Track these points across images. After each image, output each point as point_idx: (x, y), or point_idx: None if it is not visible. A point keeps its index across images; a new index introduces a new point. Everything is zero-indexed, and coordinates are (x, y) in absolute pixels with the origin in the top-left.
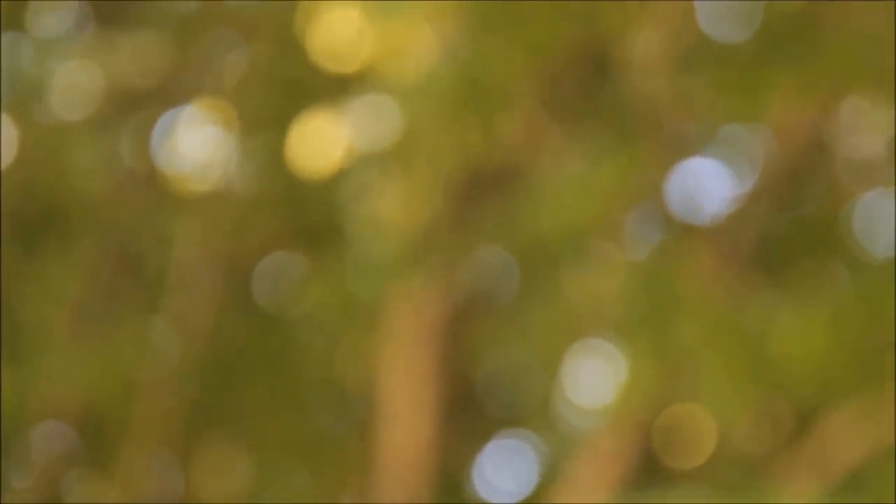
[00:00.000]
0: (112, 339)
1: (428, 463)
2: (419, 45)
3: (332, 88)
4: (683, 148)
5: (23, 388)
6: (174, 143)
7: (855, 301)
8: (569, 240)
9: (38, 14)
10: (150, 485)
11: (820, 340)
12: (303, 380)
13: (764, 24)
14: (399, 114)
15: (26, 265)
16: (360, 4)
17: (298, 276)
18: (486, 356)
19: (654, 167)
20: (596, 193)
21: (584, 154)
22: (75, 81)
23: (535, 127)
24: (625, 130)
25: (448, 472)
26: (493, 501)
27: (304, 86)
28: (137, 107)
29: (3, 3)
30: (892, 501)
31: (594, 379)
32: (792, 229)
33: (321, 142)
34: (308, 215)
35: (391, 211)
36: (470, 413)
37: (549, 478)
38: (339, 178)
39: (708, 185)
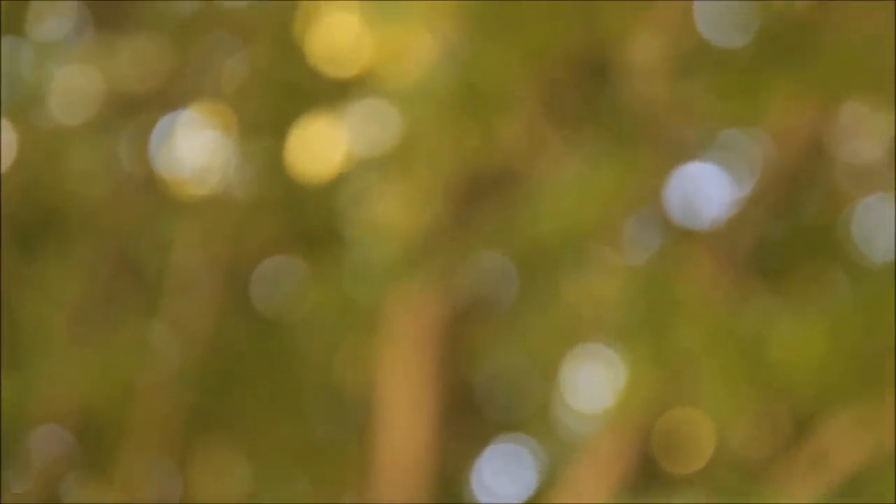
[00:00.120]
0: (111, 342)
1: (427, 467)
2: (418, 50)
3: (331, 92)
4: (682, 152)
5: (22, 391)
6: (173, 147)
7: (853, 306)
8: (568, 244)
9: (37, 18)
10: (149, 489)
11: (818, 345)
12: (302, 384)
13: (763, 28)
14: (398, 118)
15: (25, 268)
16: (359, 8)
17: (297, 280)
18: (485, 360)
19: (653, 172)
20: (595, 198)
21: (583, 158)
22: (74, 85)
23: (534, 131)
24: (624, 135)
25: (447, 477)
26: None
27: (303, 90)
28: (136, 111)
29: (2, 6)
30: None
31: (593, 383)
32: (790, 234)
33: (320, 146)
34: (307, 219)
35: (390, 215)
36: (469, 417)
37: (548, 482)
38: (338, 183)
39: (707, 189)
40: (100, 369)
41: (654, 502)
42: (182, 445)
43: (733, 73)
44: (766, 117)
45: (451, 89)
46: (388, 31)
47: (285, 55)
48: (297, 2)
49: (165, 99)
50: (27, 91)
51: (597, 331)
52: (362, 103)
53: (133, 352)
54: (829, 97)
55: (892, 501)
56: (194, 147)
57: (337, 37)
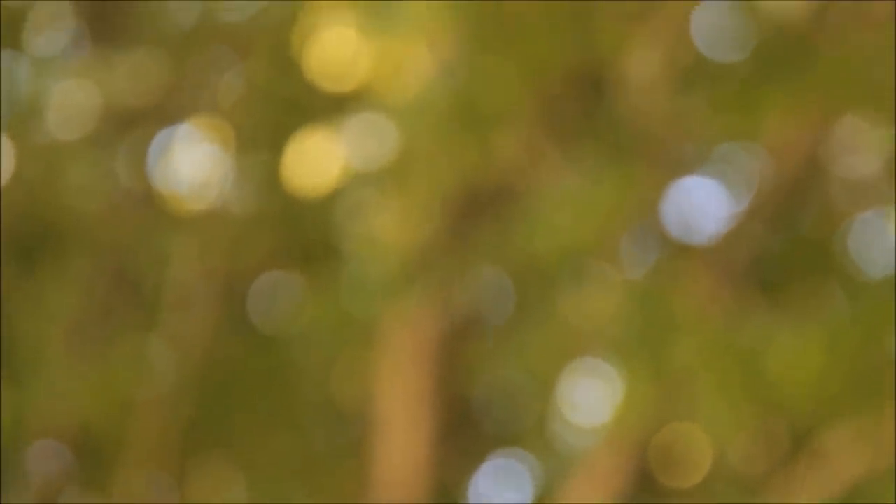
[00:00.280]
0: (108, 357)
1: (424, 482)
2: (416, 64)
3: (328, 107)
4: (680, 167)
5: (20, 406)
6: (170, 162)
7: (851, 320)
8: (565, 259)
9: (34, 33)
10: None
11: (816, 360)
12: (299, 398)
13: (760, 43)
14: (395, 133)
15: (23, 283)
16: (356, 23)
17: (295, 295)
18: (483, 375)
19: (650, 186)
20: (592, 213)
21: (581, 173)
22: (72, 100)
23: (531, 146)
24: (621, 150)
25: (444, 491)
26: None
27: (300, 104)
28: (134, 125)
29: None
30: None
31: (590, 398)
32: (788, 248)
33: (317, 160)
34: (304, 234)
35: (387, 230)
36: (466, 432)
37: (546, 497)
38: (335, 197)
39: (704, 204)
40: (97, 384)
41: None
42: (180, 460)
43: (731, 88)
44: (764, 132)
45: (449, 104)
46: (386, 45)
47: (283, 70)
48: (294, 16)
49: (163, 113)
50: (25, 106)
51: (594, 345)
52: (360, 118)
53: (130, 366)
54: (826, 112)
55: None
56: (192, 162)
57: (334, 51)
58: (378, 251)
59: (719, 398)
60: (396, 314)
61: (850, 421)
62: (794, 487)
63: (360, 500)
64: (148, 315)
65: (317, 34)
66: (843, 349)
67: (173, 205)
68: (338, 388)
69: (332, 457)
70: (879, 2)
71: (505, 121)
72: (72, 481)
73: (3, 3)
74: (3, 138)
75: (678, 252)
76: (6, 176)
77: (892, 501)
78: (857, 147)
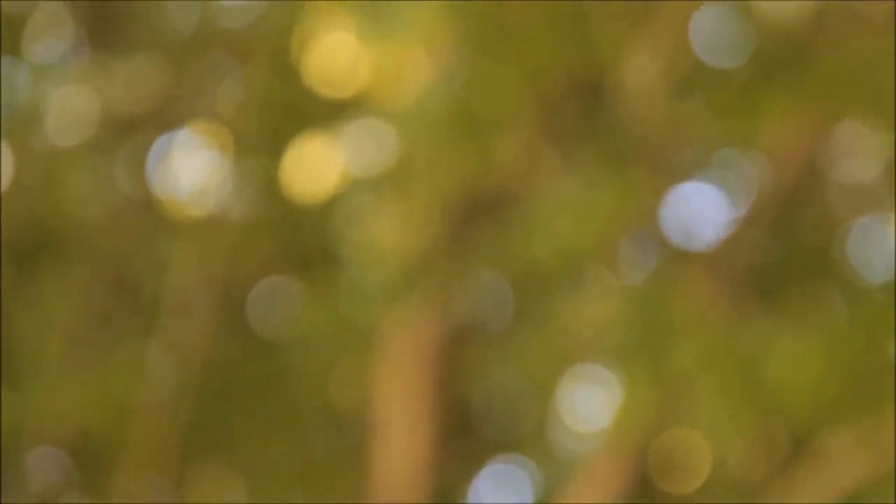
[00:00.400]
0: (107, 363)
1: (424, 487)
2: (415, 70)
3: (327, 113)
4: (679, 173)
5: (19, 412)
6: (170, 168)
7: (850, 325)
8: (564, 264)
9: (33, 39)
10: None
11: (815, 365)
12: (298, 404)
13: (758, 48)
14: (394, 138)
15: (22, 289)
16: (355, 29)
17: (294, 301)
18: (482, 380)
19: (649, 192)
20: (591, 218)
21: (580, 179)
22: (71, 106)
23: (530, 151)
24: (620, 155)
25: (444, 496)
26: None
27: (299, 110)
28: (133, 131)
29: None
30: None
31: (589, 403)
32: (787, 254)
33: (316, 166)
34: (303, 240)
35: (386, 235)
36: (465, 437)
37: (545, 502)
38: (334, 203)
39: (703, 209)
40: (97, 389)
41: None
42: (179, 465)
43: (729, 93)
44: (763, 137)
45: (448, 110)
46: (385, 51)
47: (282, 75)
48: (293, 22)
49: (162, 119)
50: (24, 112)
51: (593, 351)
52: (359, 123)
53: (130, 372)
54: (825, 117)
55: None
56: (191, 168)
57: (333, 57)
58: (377, 257)
59: (719, 403)
60: (396, 319)
61: (849, 426)
62: (793, 492)
63: None
64: (147, 321)
65: (316, 40)
66: (842, 354)
67: (172, 211)
68: (337, 393)
69: (332, 462)
70: (878, 6)
71: (504, 126)
72: (71, 486)
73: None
74: (3, 144)
75: (677, 257)
76: (5, 182)
77: None
78: (856, 152)
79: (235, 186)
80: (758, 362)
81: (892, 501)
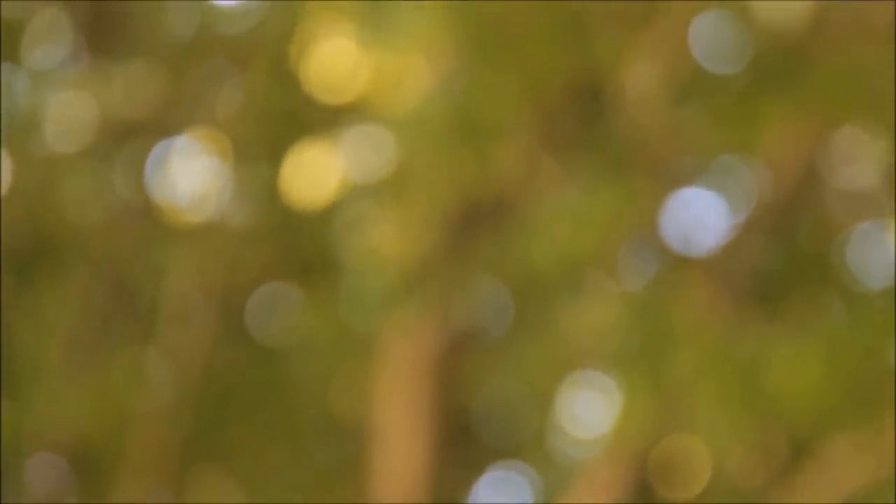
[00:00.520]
0: (106, 370)
1: (423, 494)
2: (414, 77)
3: (326, 119)
4: (678, 179)
5: (18, 419)
6: (168, 174)
7: (850, 331)
8: (564, 271)
9: (32, 45)
10: None
11: (815, 371)
12: (297, 411)
13: (758, 55)
14: (394, 145)
15: (21, 296)
16: (355, 35)
17: (293, 308)
18: (482, 387)
19: (649, 198)
20: (591, 225)
21: (580, 185)
22: (70, 112)
23: (530, 158)
24: (620, 162)
25: (444, 503)
26: None
27: (298, 117)
28: (132, 137)
29: None
30: None
31: (589, 410)
32: (787, 260)
33: (316, 173)
34: (302, 247)
35: (386, 242)
36: (465, 444)
37: None
38: (333, 210)
39: (703, 216)
40: (96, 396)
41: None
42: (178, 473)
43: (729, 100)
44: (762, 143)
45: (447, 116)
46: (384, 58)
47: (281, 82)
48: (292, 29)
49: (161, 126)
50: (23, 118)
51: (593, 357)
52: (358, 130)
53: (129, 379)
54: (824, 123)
55: None
56: (190, 174)
57: (333, 64)
58: (376, 263)
59: (718, 409)
60: (395, 326)
61: (849, 432)
62: (793, 498)
63: None
64: (146, 327)
65: (315, 46)
66: (841, 360)
67: (171, 217)
68: (336, 401)
69: (331, 469)
70: (877, 13)
71: (503, 133)
72: (70, 493)
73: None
74: (2, 151)
75: (677, 264)
76: (4, 188)
77: None
78: (855, 158)
79: (234, 193)
80: (757, 368)
81: None
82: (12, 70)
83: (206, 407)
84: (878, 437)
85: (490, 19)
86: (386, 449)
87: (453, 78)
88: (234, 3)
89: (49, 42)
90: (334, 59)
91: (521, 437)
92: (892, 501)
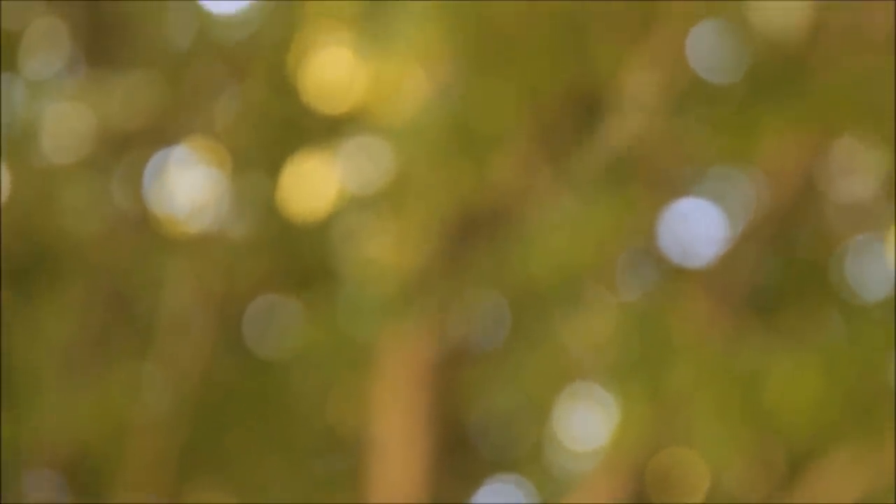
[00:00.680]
0: (104, 381)
1: None
2: (412, 87)
3: (324, 130)
4: (676, 190)
5: (15, 430)
6: (166, 185)
7: (847, 344)
8: (561, 282)
9: (29, 56)
10: None
11: (813, 383)
12: (295, 422)
13: (755, 65)
14: (391, 155)
15: (19, 307)
16: (352, 45)
17: (291, 319)
18: (479, 399)
19: (646, 209)
20: (589, 235)
21: (577, 196)
22: (67, 123)
23: (528, 168)
24: (618, 172)
25: None
26: None
27: (296, 127)
28: (129, 148)
29: None
30: None
31: (587, 422)
32: (784, 272)
33: (313, 183)
34: (300, 257)
35: (383, 253)
36: (463, 456)
37: None
38: (331, 220)
39: (701, 227)
40: (93, 408)
41: None
42: (175, 485)
43: (727, 110)
44: (760, 154)
45: (445, 126)
46: (382, 68)
47: (279, 92)
48: (290, 38)
49: (158, 136)
50: (20, 129)
51: (591, 369)
52: (356, 140)
53: (126, 390)
54: (822, 134)
55: None
56: (188, 184)
57: (331, 74)
58: (374, 274)
59: (716, 422)
60: (393, 337)
61: (847, 445)
62: None
63: None
64: (144, 338)
65: (313, 56)
66: (840, 373)
67: (169, 228)
68: (334, 412)
69: (329, 480)
70: (875, 23)
71: (501, 143)
72: None
73: None
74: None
75: (675, 275)
76: (2, 199)
77: None
78: (854, 169)
79: (232, 203)
80: (756, 380)
81: None
82: (10, 80)
83: (204, 417)
84: (876, 451)
85: (488, 29)
86: (384, 460)
87: (451, 87)
88: (231, 11)
89: (46, 52)
90: (332, 68)
91: (519, 449)
92: None
